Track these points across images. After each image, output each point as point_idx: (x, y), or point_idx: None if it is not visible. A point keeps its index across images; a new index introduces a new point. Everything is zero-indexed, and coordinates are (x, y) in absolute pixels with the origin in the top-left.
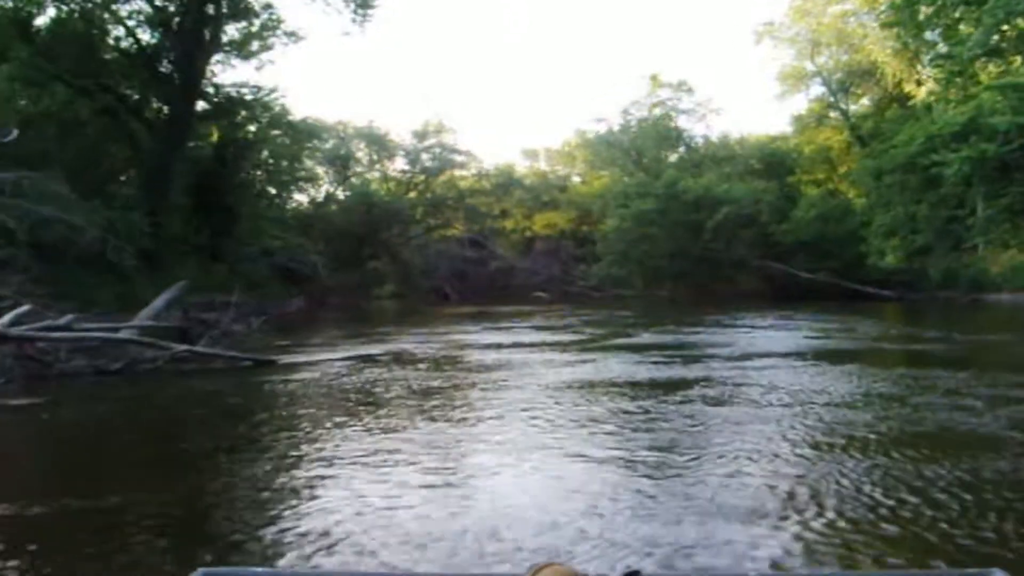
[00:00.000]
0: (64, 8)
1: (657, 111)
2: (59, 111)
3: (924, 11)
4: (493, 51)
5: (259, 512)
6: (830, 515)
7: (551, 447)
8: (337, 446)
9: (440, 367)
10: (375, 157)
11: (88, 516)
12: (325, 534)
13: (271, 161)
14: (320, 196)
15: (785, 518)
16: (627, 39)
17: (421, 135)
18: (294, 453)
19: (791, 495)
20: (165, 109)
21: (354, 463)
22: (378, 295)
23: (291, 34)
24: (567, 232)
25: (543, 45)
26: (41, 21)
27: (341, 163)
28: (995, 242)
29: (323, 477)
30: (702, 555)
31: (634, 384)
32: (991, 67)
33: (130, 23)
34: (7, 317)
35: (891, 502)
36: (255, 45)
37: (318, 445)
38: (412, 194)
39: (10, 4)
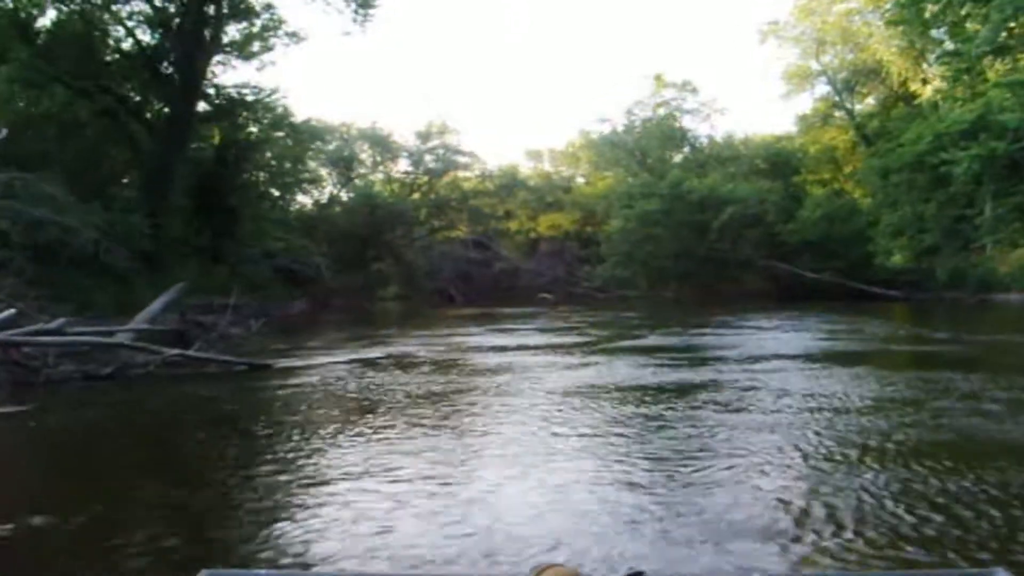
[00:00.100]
0: (64, 9)
1: (661, 111)
2: (59, 113)
3: (930, 8)
4: (495, 51)
5: (242, 526)
6: (848, 535)
7: (554, 459)
8: (328, 456)
9: (442, 371)
10: (378, 158)
11: (77, 526)
12: (307, 552)
13: (274, 162)
14: (324, 198)
15: (798, 538)
16: (630, 38)
17: (424, 136)
18: (281, 465)
19: (806, 512)
20: (165, 110)
21: (346, 475)
22: (382, 297)
23: (292, 35)
24: (571, 233)
25: (546, 45)
26: (41, 23)
27: (345, 164)
28: (1004, 241)
29: (310, 488)
30: None
31: (640, 389)
32: (998, 65)
33: (130, 24)
34: None
35: (913, 519)
36: (256, 46)
37: (308, 455)
38: (416, 195)
39: (10, 5)
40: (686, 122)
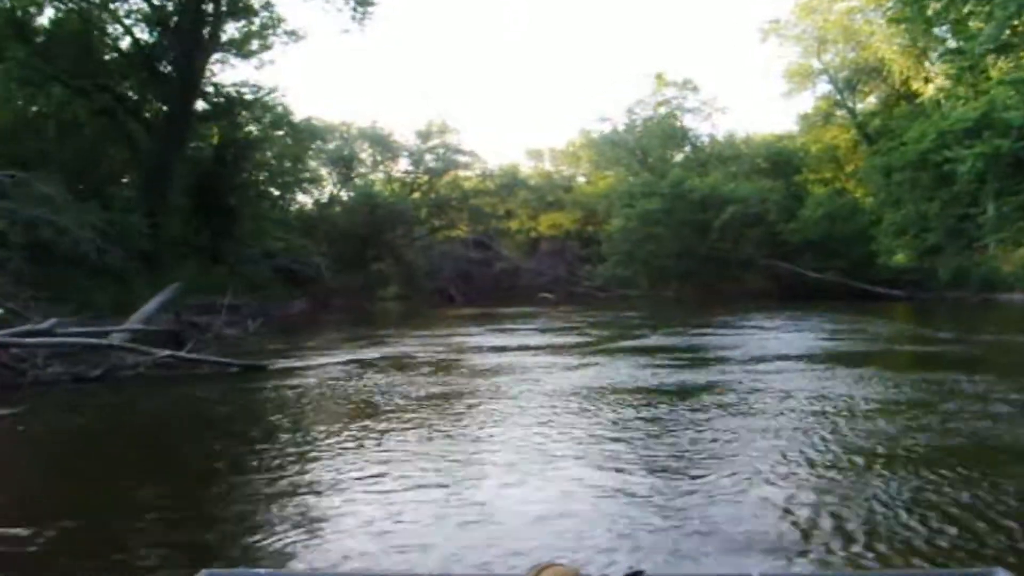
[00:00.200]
0: (62, 7)
1: (662, 110)
2: (57, 112)
3: (933, 6)
4: (495, 50)
5: (232, 533)
6: (857, 548)
7: (553, 465)
8: (319, 461)
9: (440, 372)
10: (379, 158)
11: (68, 532)
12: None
13: (273, 162)
14: (324, 197)
15: (805, 552)
16: (631, 37)
17: (425, 135)
18: (268, 472)
19: (813, 523)
20: (164, 109)
21: (337, 481)
22: (382, 297)
23: (291, 33)
24: (572, 232)
25: (546, 43)
26: (39, 22)
27: (345, 164)
28: (1008, 241)
29: (296, 495)
30: None
31: (641, 391)
32: (1001, 63)
33: (128, 22)
34: None
35: (927, 532)
36: (255, 44)
37: (297, 460)
38: (416, 195)
39: (8, 4)
40: (687, 121)
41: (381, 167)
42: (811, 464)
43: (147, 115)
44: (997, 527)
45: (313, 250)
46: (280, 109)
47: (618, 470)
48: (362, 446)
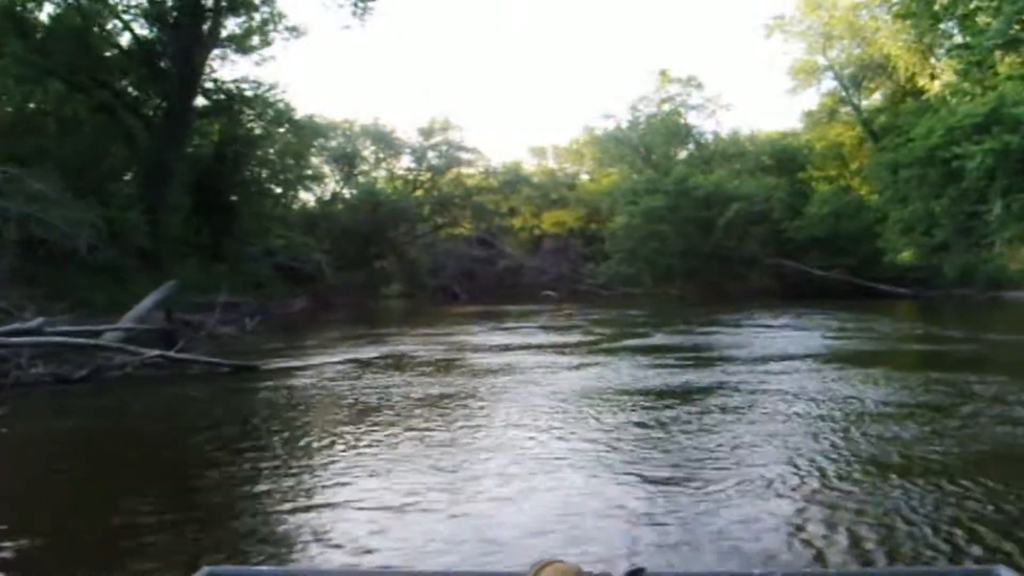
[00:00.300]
0: (62, 3)
1: (666, 107)
2: (56, 108)
3: (940, 1)
4: (498, 47)
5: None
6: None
7: (553, 471)
8: (307, 466)
9: (441, 372)
10: (381, 155)
11: (56, 538)
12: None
13: (275, 159)
14: (326, 195)
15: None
16: (635, 33)
17: (427, 132)
18: (255, 476)
19: (828, 539)
20: (163, 105)
21: (324, 489)
22: (385, 295)
23: (292, 29)
24: (576, 230)
25: (549, 40)
26: (39, 17)
27: (347, 161)
28: (1016, 238)
29: (282, 501)
30: None
31: (644, 392)
32: (1009, 58)
33: (127, 18)
34: None
35: (950, 549)
36: (255, 40)
37: (283, 467)
38: (418, 192)
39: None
40: (691, 118)
41: (383, 164)
42: (822, 472)
43: (147, 112)
44: None
45: (314, 248)
46: (281, 106)
47: (622, 477)
48: (357, 453)
